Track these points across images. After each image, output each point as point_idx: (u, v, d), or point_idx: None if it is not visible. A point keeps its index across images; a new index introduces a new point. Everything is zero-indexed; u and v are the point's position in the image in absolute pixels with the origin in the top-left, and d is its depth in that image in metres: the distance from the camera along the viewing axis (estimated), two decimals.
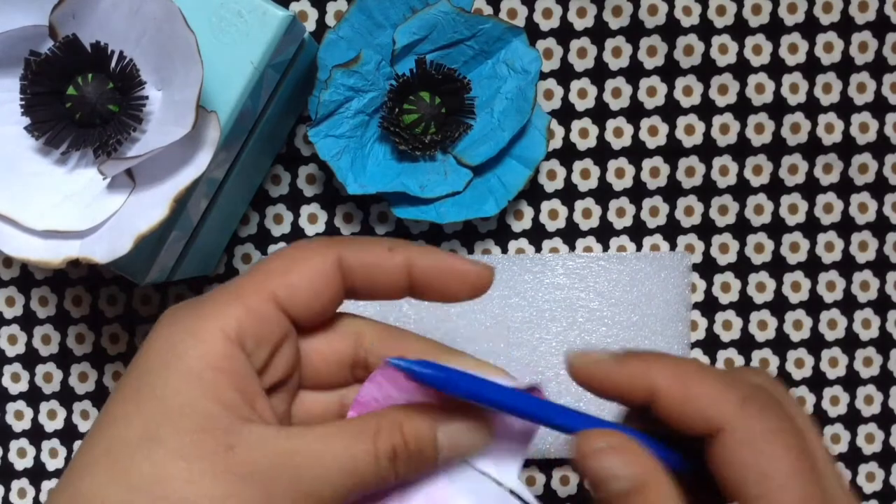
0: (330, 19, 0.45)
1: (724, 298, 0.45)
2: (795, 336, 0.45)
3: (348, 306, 0.37)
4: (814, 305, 0.45)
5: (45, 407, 0.46)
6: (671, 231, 0.45)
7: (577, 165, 0.45)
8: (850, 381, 0.45)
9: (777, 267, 0.45)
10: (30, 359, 0.46)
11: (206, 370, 0.25)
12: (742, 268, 0.45)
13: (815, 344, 0.45)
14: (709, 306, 0.45)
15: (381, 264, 0.29)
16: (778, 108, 0.45)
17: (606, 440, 0.27)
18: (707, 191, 0.45)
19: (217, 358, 0.26)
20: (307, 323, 0.29)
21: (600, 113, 0.45)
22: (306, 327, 0.29)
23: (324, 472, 0.26)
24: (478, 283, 0.29)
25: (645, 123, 0.45)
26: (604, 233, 0.45)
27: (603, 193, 0.45)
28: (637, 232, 0.45)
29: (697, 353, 0.45)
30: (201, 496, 0.24)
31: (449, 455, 0.28)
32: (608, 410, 0.42)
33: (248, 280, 0.28)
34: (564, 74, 0.45)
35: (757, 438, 0.26)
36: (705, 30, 0.45)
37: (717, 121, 0.45)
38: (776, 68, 0.45)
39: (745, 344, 0.45)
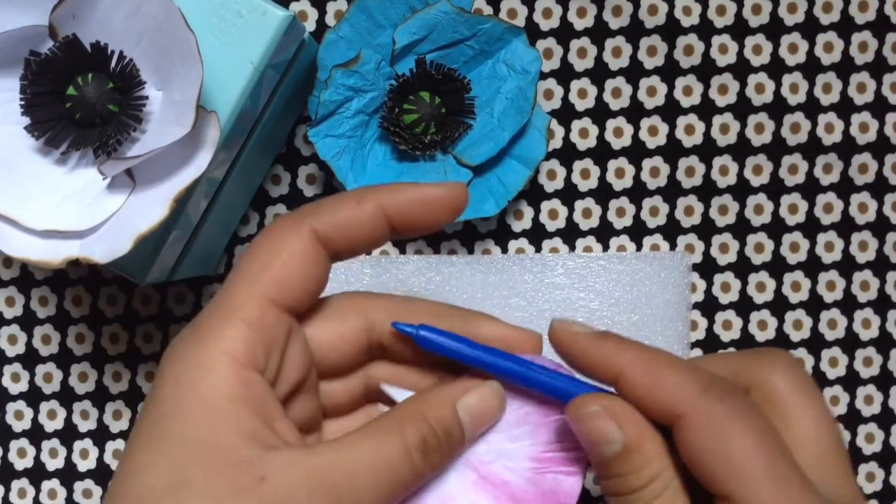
0: (330, 19, 0.45)
1: (724, 298, 0.45)
2: (795, 336, 0.45)
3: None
4: (814, 305, 0.45)
5: (45, 407, 0.45)
6: (671, 231, 0.45)
7: (577, 165, 0.45)
8: (850, 381, 0.45)
9: (777, 267, 0.45)
10: (30, 359, 0.46)
11: (220, 401, 0.24)
12: (742, 268, 0.45)
13: (815, 344, 0.45)
14: (709, 306, 0.45)
15: (356, 221, 0.28)
16: (778, 108, 0.45)
17: (600, 403, 0.27)
18: (707, 191, 0.45)
19: (230, 386, 0.25)
20: (305, 307, 0.28)
21: (600, 113, 0.45)
22: (305, 312, 0.28)
23: (360, 481, 0.25)
24: (454, 203, 0.29)
25: (645, 123, 0.45)
26: (604, 233, 0.45)
27: (603, 193, 0.45)
28: (637, 232, 0.45)
29: (697, 353, 0.45)
30: None
31: (474, 430, 0.28)
32: None
33: (238, 287, 0.26)
34: (564, 74, 0.45)
35: (718, 422, 0.26)
36: (705, 30, 0.45)
37: (717, 121, 0.45)
38: (776, 68, 0.45)
39: (745, 344, 0.45)
